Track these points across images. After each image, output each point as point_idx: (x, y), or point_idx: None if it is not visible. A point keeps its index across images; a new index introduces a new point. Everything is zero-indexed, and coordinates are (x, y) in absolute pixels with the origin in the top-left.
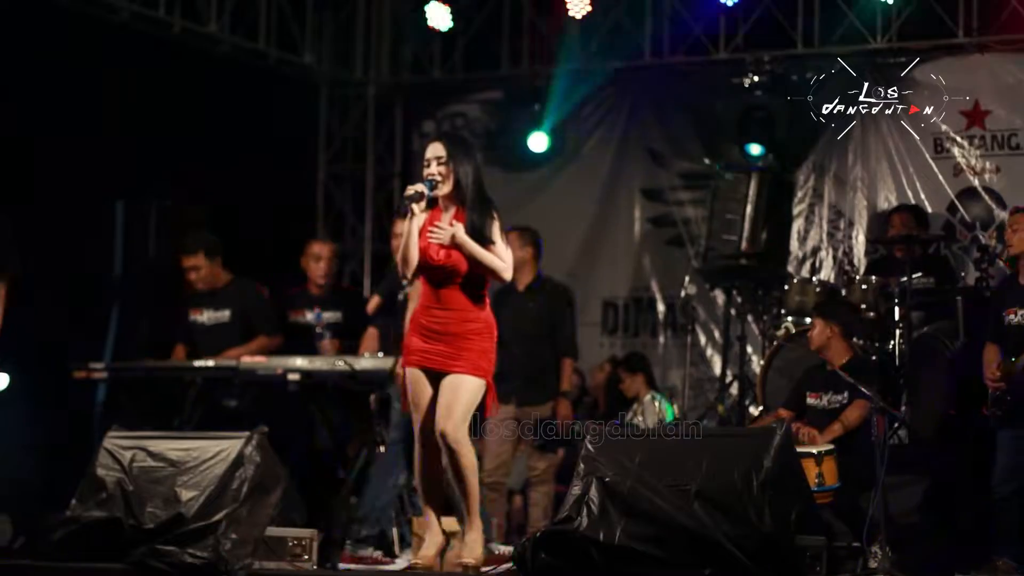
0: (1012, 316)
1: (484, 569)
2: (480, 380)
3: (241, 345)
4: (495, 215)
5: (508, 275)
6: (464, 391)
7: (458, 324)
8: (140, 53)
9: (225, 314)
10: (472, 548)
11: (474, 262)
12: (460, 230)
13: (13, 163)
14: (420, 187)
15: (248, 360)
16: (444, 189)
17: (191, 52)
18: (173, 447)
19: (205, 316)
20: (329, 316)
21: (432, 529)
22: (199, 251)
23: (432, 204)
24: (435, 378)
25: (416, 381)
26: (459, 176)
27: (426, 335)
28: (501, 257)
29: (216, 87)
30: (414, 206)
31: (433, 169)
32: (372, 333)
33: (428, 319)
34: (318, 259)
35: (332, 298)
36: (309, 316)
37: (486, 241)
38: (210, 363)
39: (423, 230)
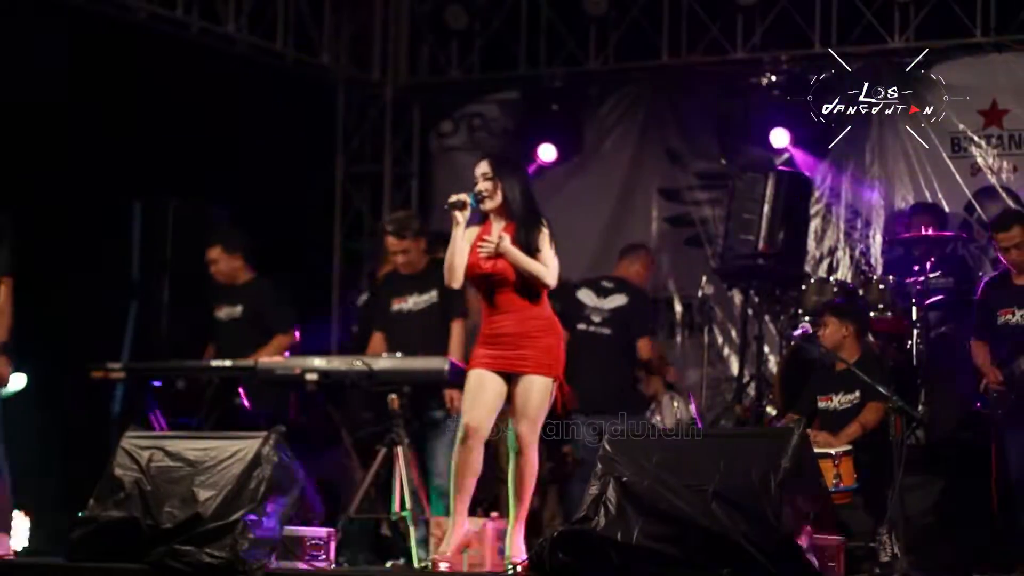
0: (1009, 316)
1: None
2: (548, 378)
3: (257, 344)
4: (544, 226)
5: (551, 280)
6: (535, 393)
7: (519, 324)
8: (157, 53)
9: (238, 310)
10: (516, 549)
11: (520, 269)
12: (506, 240)
13: (30, 163)
14: (464, 196)
15: (266, 360)
16: (490, 204)
17: (209, 52)
18: (191, 447)
19: (223, 313)
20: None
21: (457, 524)
22: (217, 244)
23: (484, 219)
24: (503, 378)
25: (478, 378)
26: (505, 191)
27: (490, 342)
28: (546, 264)
29: (233, 87)
30: (457, 213)
31: (480, 185)
32: (379, 338)
33: (490, 328)
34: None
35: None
36: None
37: (533, 251)
38: (227, 363)
39: (474, 244)
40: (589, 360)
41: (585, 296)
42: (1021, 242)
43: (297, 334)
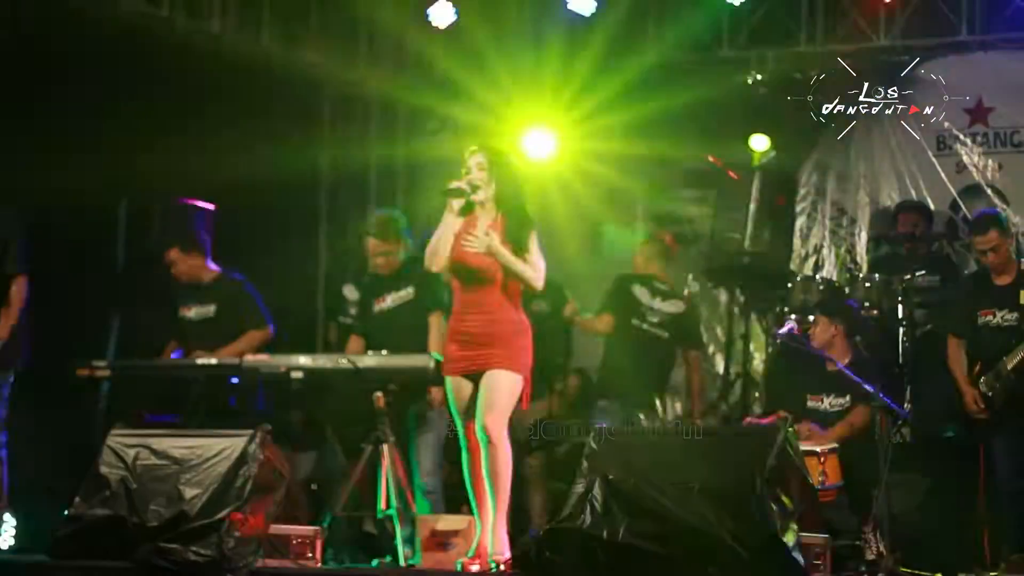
0: (989, 318)
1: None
2: (517, 375)
3: (231, 341)
4: (532, 227)
5: (539, 284)
6: (503, 386)
7: (491, 324)
8: (143, 51)
9: (210, 309)
10: (499, 545)
11: (507, 270)
12: (495, 239)
13: (15, 163)
14: (463, 184)
15: (251, 358)
16: (482, 195)
17: (194, 50)
18: (176, 445)
19: (192, 312)
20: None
21: (482, 526)
22: (173, 245)
23: (468, 210)
24: (475, 380)
25: (457, 387)
26: (499, 185)
27: (462, 341)
28: (534, 266)
29: (218, 86)
30: (453, 201)
31: (474, 174)
32: (356, 341)
33: (462, 324)
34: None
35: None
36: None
37: (521, 250)
38: (213, 361)
39: (458, 236)
40: (639, 355)
41: (640, 293)
42: (998, 245)
43: (272, 328)
